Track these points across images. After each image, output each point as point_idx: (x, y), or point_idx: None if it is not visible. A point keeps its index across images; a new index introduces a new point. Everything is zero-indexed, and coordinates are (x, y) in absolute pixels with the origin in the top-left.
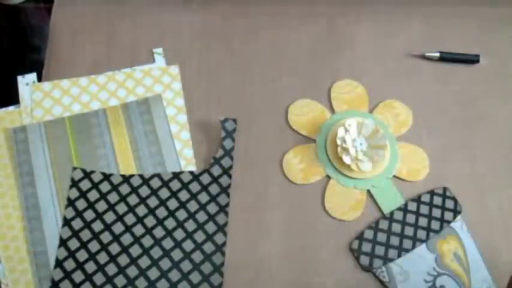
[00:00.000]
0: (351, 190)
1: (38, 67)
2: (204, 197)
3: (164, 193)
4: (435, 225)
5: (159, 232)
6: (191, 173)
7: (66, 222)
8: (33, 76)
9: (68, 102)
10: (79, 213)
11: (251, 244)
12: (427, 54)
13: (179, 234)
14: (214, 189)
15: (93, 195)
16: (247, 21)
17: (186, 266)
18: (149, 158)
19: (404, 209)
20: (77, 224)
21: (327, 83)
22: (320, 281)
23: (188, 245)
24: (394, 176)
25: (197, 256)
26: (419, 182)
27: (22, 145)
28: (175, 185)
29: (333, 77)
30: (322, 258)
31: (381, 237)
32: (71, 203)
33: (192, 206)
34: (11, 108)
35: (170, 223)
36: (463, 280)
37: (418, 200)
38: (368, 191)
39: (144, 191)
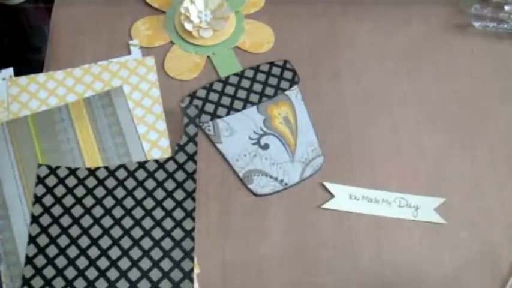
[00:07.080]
0: (191, 55)
1: (38, 67)
2: (170, 184)
3: (130, 183)
4: (269, 91)
5: (127, 222)
6: (156, 161)
7: (34, 219)
8: (9, 71)
9: (44, 96)
10: (46, 209)
11: (252, 245)
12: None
13: (148, 222)
14: (180, 175)
15: (59, 190)
16: None
17: (156, 253)
18: (114, 149)
19: (240, 75)
20: (45, 220)
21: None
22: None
23: (157, 233)
24: (237, 47)
25: (167, 243)
26: (263, 55)
27: None
28: (141, 174)
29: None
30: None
31: (213, 96)
32: (37, 199)
33: (159, 194)
34: None
35: (138, 212)
36: (288, 140)
37: (256, 68)
38: (208, 57)
39: (111, 183)
